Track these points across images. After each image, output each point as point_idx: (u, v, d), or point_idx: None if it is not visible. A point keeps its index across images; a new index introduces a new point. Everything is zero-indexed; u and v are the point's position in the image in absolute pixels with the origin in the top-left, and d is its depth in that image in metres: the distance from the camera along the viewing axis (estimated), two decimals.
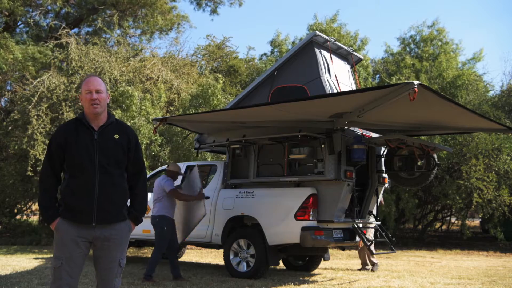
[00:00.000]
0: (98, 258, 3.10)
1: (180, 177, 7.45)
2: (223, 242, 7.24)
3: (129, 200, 3.26)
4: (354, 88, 7.93)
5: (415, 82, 4.52)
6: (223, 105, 12.01)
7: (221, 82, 12.81)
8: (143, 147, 11.04)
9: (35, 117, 11.18)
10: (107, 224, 3.05)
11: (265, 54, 18.67)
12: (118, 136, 3.14)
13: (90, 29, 18.24)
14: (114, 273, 3.10)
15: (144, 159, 11.22)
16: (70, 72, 12.25)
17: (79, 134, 3.07)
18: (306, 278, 7.24)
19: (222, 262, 7.71)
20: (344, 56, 8.03)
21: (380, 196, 8.05)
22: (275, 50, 17.80)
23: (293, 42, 17.63)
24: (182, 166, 8.31)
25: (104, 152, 3.06)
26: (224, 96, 12.98)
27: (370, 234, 7.65)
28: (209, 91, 12.10)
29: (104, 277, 3.10)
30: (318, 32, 7.33)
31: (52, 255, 3.09)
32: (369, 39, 18.25)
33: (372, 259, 8.25)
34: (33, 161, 11.03)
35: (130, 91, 11.51)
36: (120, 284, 3.18)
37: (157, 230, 6.74)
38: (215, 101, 12.03)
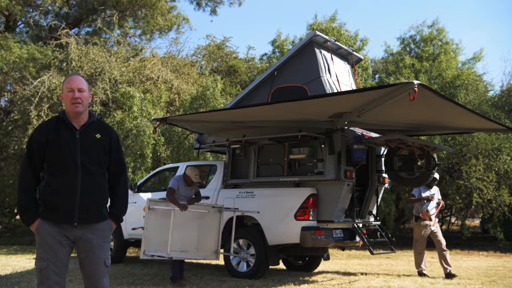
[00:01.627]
0: (83, 260, 3.08)
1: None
2: (223, 242, 7.23)
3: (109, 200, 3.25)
4: (354, 88, 7.93)
5: (415, 82, 4.52)
6: (222, 106, 12.01)
7: (219, 84, 12.77)
8: (150, 148, 11.04)
9: (36, 117, 11.18)
10: (88, 224, 3.04)
11: (265, 54, 18.68)
12: (100, 136, 3.13)
13: (90, 29, 18.28)
14: (101, 273, 3.09)
15: (148, 160, 11.22)
16: (70, 72, 12.26)
17: (60, 133, 3.04)
18: (306, 278, 7.23)
19: (222, 262, 7.71)
20: (344, 56, 8.03)
21: (439, 195, 7.72)
22: (276, 50, 17.80)
23: (292, 42, 17.64)
24: (182, 166, 8.31)
25: (86, 151, 3.04)
26: (224, 97, 12.97)
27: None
28: (209, 92, 12.09)
29: (92, 279, 3.09)
30: (318, 32, 7.33)
31: (36, 256, 3.06)
32: (369, 39, 18.30)
33: (445, 265, 7.45)
34: None
35: (131, 92, 11.51)
36: (108, 283, 3.16)
37: None
38: (214, 103, 12.02)
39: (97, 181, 3.07)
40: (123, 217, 3.34)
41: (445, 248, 7.55)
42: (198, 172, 6.67)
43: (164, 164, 11.33)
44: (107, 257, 3.13)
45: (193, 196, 6.67)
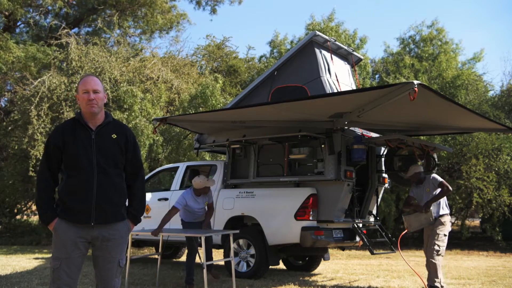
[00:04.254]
0: (97, 258, 3.10)
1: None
2: (223, 242, 7.24)
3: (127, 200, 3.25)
4: (354, 88, 7.93)
5: (415, 82, 4.51)
6: (221, 105, 12.00)
7: (220, 82, 12.76)
8: (146, 148, 11.04)
9: (36, 117, 11.19)
10: (105, 224, 3.05)
11: (264, 56, 18.68)
12: (115, 136, 3.14)
13: (90, 29, 18.28)
14: (114, 273, 3.10)
15: (144, 161, 11.18)
16: (70, 72, 12.26)
17: (76, 134, 3.07)
18: (306, 278, 7.23)
19: (222, 262, 7.71)
20: (344, 56, 8.03)
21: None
22: (274, 51, 17.80)
23: (291, 42, 17.64)
24: (182, 166, 8.31)
25: (102, 151, 3.06)
26: (223, 96, 12.96)
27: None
28: (207, 91, 12.06)
29: (104, 277, 3.10)
30: (318, 32, 7.33)
31: (51, 255, 3.09)
32: (368, 37, 18.27)
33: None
34: (34, 161, 11.04)
35: (133, 91, 11.51)
36: (119, 284, 3.18)
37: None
38: (213, 101, 12.00)
39: (113, 181, 3.08)
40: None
41: (431, 258, 5.89)
42: (203, 179, 6.35)
43: (162, 165, 11.32)
44: (122, 257, 3.15)
45: (206, 210, 6.52)
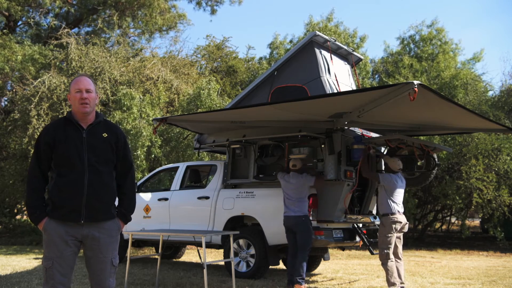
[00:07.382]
0: (90, 258, 3.09)
1: None
2: (223, 242, 7.25)
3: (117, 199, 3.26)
4: (354, 88, 7.93)
5: (415, 82, 4.51)
6: (219, 106, 11.97)
7: (216, 85, 12.66)
8: (144, 149, 11.05)
9: (36, 116, 11.19)
10: (95, 223, 3.05)
11: (261, 58, 18.67)
12: (106, 135, 3.15)
13: (90, 29, 18.28)
14: (107, 273, 3.09)
15: (144, 161, 11.19)
16: (70, 72, 12.26)
17: (67, 133, 3.07)
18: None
19: (222, 263, 7.71)
20: (344, 56, 8.02)
21: None
22: (274, 52, 17.80)
23: (290, 41, 17.64)
24: (182, 166, 8.31)
25: (93, 150, 3.07)
26: (222, 97, 12.91)
27: None
28: (203, 92, 11.98)
29: (98, 278, 3.09)
30: (318, 32, 7.33)
31: (43, 255, 3.08)
32: (367, 36, 18.28)
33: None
34: None
35: (132, 93, 11.50)
36: (114, 283, 3.16)
37: (304, 229, 6.20)
38: (210, 103, 11.94)
39: (104, 180, 3.08)
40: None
41: (382, 264, 5.94)
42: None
43: (162, 165, 11.30)
44: (114, 256, 3.14)
45: None
